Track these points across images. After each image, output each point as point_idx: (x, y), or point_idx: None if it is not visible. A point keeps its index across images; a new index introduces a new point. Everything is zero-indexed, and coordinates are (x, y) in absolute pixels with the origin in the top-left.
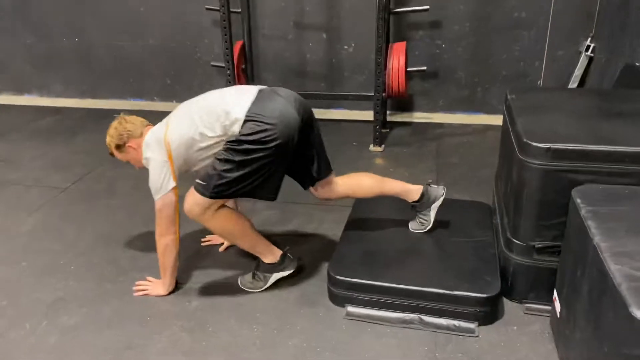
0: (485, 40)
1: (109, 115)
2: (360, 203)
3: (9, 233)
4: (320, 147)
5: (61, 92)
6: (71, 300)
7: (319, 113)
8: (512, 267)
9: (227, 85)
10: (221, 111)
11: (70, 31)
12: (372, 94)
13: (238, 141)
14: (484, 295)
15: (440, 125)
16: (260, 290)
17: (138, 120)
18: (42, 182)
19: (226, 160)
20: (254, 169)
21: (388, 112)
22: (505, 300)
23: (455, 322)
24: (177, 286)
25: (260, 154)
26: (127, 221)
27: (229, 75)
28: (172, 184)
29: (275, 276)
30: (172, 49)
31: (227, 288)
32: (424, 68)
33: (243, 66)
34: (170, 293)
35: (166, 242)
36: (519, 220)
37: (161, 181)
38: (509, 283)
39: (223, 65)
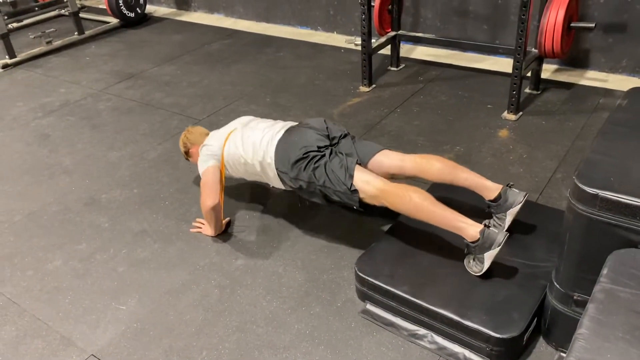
0: None
1: (271, 43)
2: None
3: (139, 158)
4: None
5: (242, 14)
6: (151, 234)
7: (474, 60)
8: (550, 310)
9: (362, 25)
10: (261, 154)
11: None
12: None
13: (293, 179)
14: (497, 335)
15: (610, 93)
16: (479, 274)
17: (198, 131)
18: (184, 111)
19: (307, 186)
20: (313, 167)
21: (556, 67)
22: (542, 341)
23: (466, 352)
24: (229, 230)
25: (304, 165)
26: None
27: (364, 17)
28: (212, 162)
29: (488, 256)
30: None
31: (274, 250)
32: (592, 25)
33: (389, 7)
34: (220, 234)
35: (207, 207)
36: (561, 264)
37: (204, 165)
38: (546, 325)
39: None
